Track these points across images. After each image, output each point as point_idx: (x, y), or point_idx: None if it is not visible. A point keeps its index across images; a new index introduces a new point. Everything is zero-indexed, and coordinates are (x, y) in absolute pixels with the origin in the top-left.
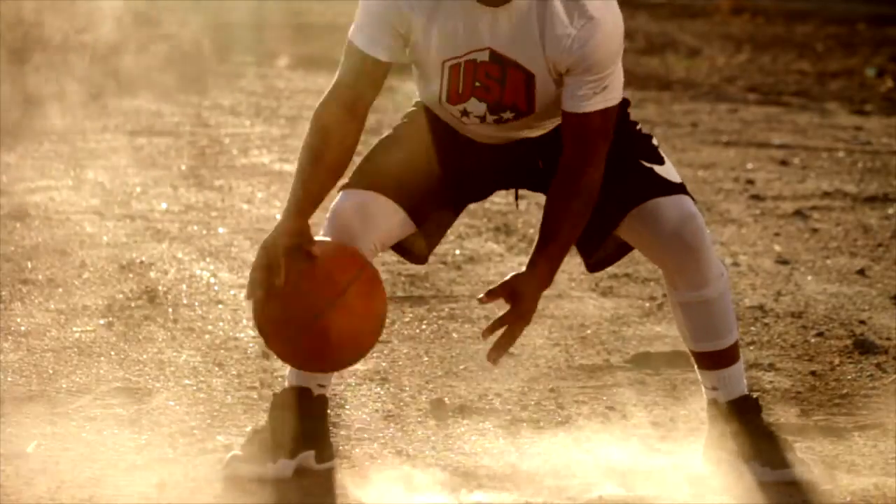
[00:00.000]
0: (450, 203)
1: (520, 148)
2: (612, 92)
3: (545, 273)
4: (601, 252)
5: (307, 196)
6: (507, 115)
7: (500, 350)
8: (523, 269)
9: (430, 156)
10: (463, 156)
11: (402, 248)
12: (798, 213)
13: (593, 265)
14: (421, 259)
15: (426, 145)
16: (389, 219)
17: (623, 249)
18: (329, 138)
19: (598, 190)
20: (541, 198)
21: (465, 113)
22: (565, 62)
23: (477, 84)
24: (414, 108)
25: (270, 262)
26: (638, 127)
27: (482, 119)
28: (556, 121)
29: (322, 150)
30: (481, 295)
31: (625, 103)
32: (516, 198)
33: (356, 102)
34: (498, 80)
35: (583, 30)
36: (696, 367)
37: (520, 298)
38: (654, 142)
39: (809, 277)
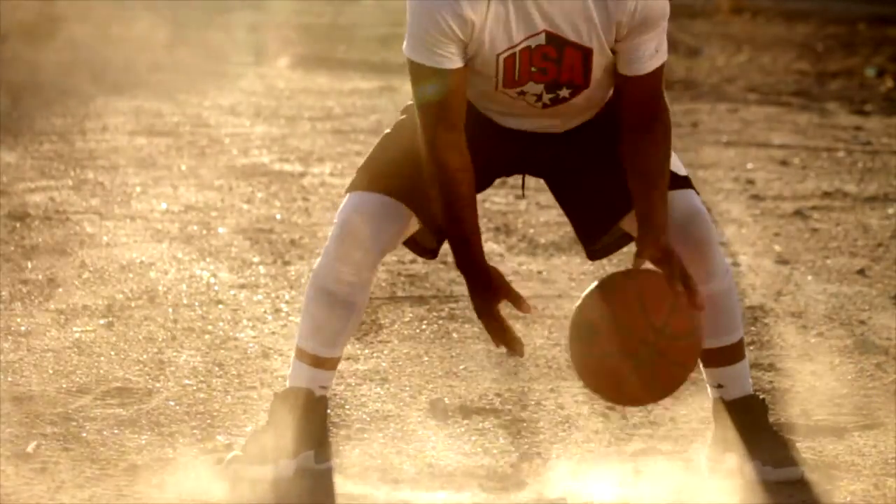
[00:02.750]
0: None
1: (530, 139)
2: (665, 46)
3: (662, 219)
4: (605, 240)
5: (477, 241)
6: (564, 92)
7: (697, 294)
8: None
9: None
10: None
11: (412, 243)
12: (798, 213)
13: (595, 253)
14: (430, 254)
15: None
16: (396, 220)
17: (625, 239)
18: (458, 182)
19: (670, 127)
20: (540, 198)
21: (521, 93)
22: (627, 25)
23: (533, 69)
24: (412, 103)
25: (499, 325)
26: None
27: (538, 97)
28: (597, 108)
29: (459, 194)
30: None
31: None
32: (523, 185)
33: (457, 123)
34: (554, 60)
35: None
36: (701, 364)
37: (665, 250)
38: None
39: (809, 277)
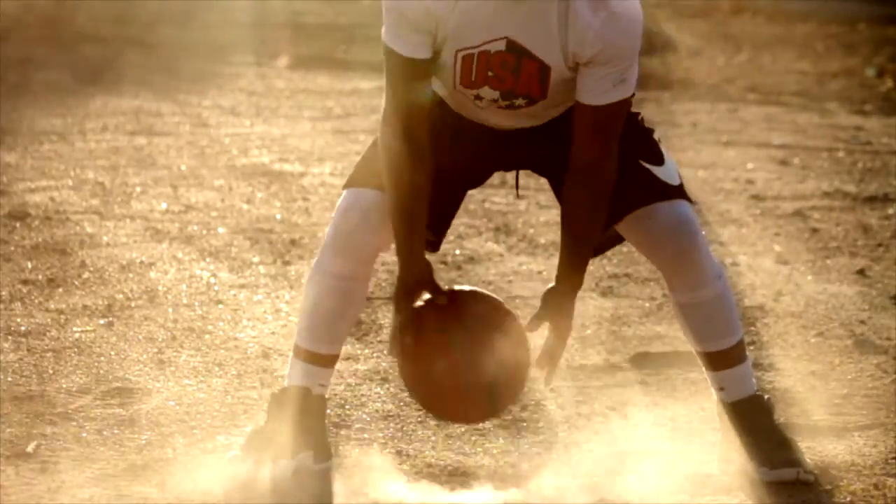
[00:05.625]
0: (452, 190)
1: (521, 131)
2: (628, 84)
3: (577, 280)
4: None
5: (423, 231)
6: (519, 101)
7: (552, 373)
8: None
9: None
10: (462, 141)
11: None
12: (798, 213)
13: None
14: (431, 245)
15: None
16: None
17: (618, 239)
18: (415, 169)
19: (614, 182)
20: (540, 197)
21: (477, 97)
22: (586, 54)
23: (490, 73)
24: None
25: (406, 318)
26: (640, 117)
27: (495, 102)
28: (563, 108)
29: (414, 181)
30: (526, 323)
31: None
32: (517, 183)
33: (419, 113)
34: (512, 69)
35: (605, 23)
36: (702, 367)
37: (559, 317)
38: (656, 136)
39: (809, 277)
